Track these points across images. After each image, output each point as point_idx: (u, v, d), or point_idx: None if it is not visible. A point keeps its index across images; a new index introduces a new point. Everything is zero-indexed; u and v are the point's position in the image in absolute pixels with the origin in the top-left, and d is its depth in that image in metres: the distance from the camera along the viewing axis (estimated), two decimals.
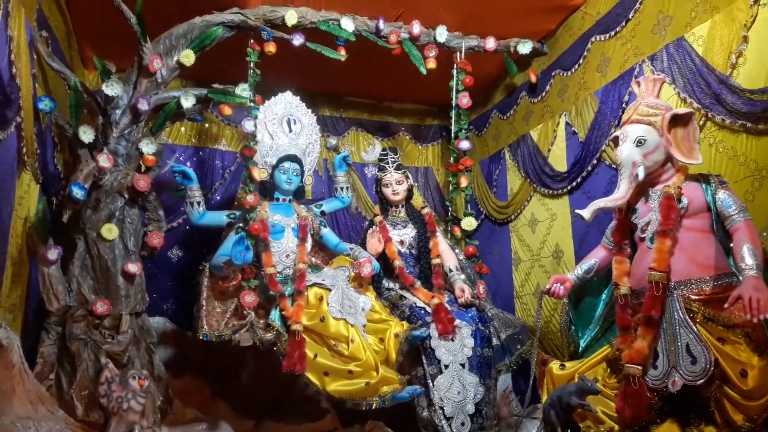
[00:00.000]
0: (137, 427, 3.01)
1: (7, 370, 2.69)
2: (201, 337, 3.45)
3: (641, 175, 2.65)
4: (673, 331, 2.48)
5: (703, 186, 2.64)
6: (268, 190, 3.90)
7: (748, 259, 2.37)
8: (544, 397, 2.87)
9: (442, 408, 3.35)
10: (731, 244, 2.53)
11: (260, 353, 3.52)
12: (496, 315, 3.79)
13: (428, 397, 3.38)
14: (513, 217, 4.63)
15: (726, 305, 2.36)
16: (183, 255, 4.63)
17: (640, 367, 2.50)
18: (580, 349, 3.05)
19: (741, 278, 2.39)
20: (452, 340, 3.45)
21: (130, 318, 3.31)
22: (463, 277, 3.85)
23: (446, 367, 3.41)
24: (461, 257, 4.07)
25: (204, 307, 3.55)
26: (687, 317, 2.46)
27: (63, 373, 3.19)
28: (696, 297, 2.51)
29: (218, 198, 4.77)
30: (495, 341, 3.65)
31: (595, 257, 3.02)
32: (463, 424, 3.34)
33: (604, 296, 3.03)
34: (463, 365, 3.44)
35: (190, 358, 4.21)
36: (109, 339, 3.21)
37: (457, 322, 3.51)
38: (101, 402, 3.00)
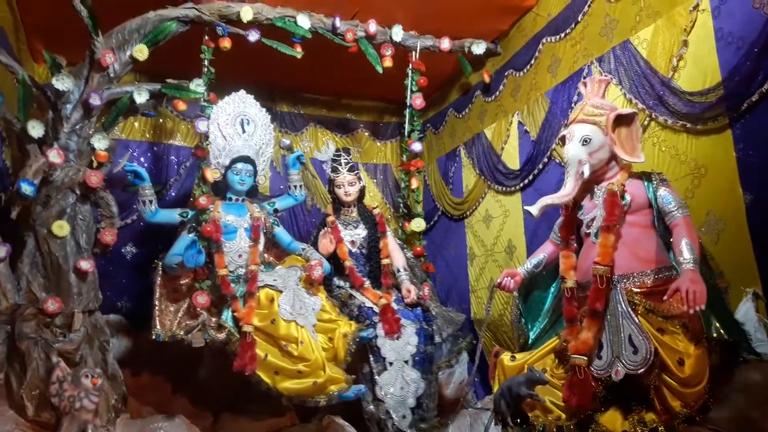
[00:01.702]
0: (90, 426, 2.99)
1: None
2: (154, 337, 3.46)
3: (587, 172, 2.73)
4: (616, 322, 2.55)
5: (645, 183, 2.73)
6: (221, 189, 3.90)
7: (686, 253, 2.46)
8: (496, 388, 2.93)
9: (384, 402, 3.54)
10: (671, 239, 2.62)
11: (217, 350, 3.56)
12: (440, 313, 3.94)
13: (373, 393, 3.56)
14: (468, 213, 4.72)
15: (665, 297, 2.44)
16: (137, 252, 4.57)
17: (585, 358, 2.57)
18: (530, 340, 3.10)
19: (679, 271, 2.49)
20: (397, 338, 3.62)
21: (83, 316, 3.26)
22: (410, 277, 3.99)
23: (391, 364, 3.60)
24: (409, 255, 4.20)
25: (157, 306, 3.54)
26: (629, 309, 2.53)
27: (12, 372, 3.12)
28: (638, 290, 2.60)
29: (173, 194, 4.71)
30: (437, 338, 3.80)
31: (544, 252, 3.09)
32: (404, 417, 3.55)
33: (552, 289, 3.09)
34: (406, 362, 3.63)
35: (146, 356, 4.17)
36: (61, 337, 3.16)
37: (403, 321, 3.68)
38: (53, 401, 2.97)
